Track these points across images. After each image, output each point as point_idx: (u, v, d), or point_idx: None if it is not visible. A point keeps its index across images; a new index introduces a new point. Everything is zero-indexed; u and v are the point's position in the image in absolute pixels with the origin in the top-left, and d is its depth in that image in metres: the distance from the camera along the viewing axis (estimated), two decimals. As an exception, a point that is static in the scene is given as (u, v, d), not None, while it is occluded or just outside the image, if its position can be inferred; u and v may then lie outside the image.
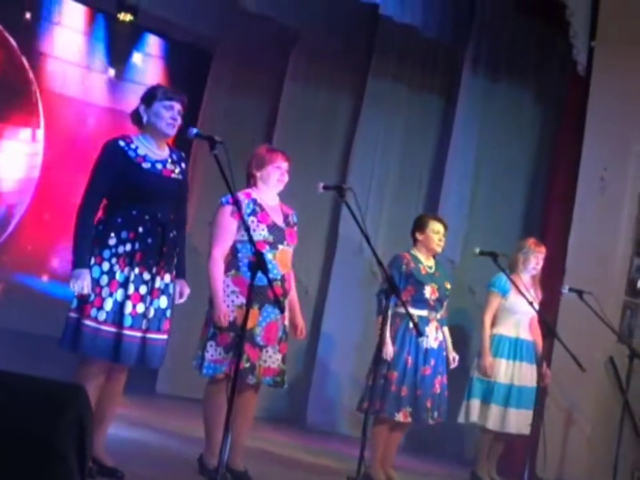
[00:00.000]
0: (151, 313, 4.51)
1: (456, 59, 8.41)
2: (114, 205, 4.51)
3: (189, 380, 6.14)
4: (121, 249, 4.46)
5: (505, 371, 6.51)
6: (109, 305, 4.43)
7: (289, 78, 8.64)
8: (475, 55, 8.14)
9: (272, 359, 5.07)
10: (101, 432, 4.55)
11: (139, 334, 4.48)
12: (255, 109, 8.86)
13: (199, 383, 5.31)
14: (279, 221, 5.15)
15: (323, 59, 8.65)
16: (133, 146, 4.54)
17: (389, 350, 5.72)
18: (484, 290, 6.81)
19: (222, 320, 4.95)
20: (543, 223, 7.95)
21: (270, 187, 5.19)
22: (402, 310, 5.59)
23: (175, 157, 4.68)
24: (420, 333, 5.51)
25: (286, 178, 5.21)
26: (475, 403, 6.52)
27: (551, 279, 6.93)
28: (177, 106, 4.58)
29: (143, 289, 4.49)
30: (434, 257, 6.02)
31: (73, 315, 4.46)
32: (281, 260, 5.08)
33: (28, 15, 8.01)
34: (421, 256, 5.96)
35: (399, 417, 5.77)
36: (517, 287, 6.18)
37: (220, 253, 5.06)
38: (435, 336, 5.90)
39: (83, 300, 4.43)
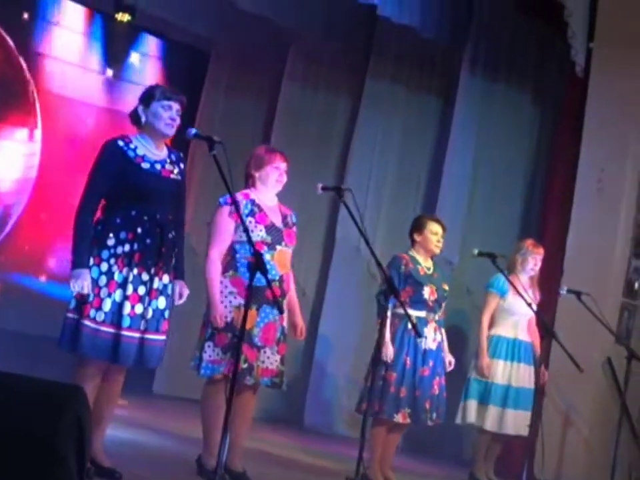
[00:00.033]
0: (149, 314, 4.51)
1: (454, 60, 8.41)
2: (113, 205, 4.50)
3: (186, 380, 6.14)
4: (119, 250, 4.45)
5: (502, 371, 6.50)
6: (107, 305, 4.42)
7: (286, 79, 8.64)
8: (472, 55, 8.14)
9: (270, 359, 5.06)
10: (99, 433, 4.54)
11: (137, 335, 4.47)
12: (252, 110, 8.86)
13: (196, 384, 5.30)
14: (277, 222, 5.14)
15: (321, 59, 8.65)
16: (132, 146, 4.53)
17: (389, 351, 5.71)
18: (482, 291, 6.81)
19: (218, 320, 4.94)
20: (541, 224, 7.96)
21: (268, 188, 5.18)
22: (401, 311, 5.58)
23: (173, 157, 4.67)
24: (419, 334, 5.51)
25: (284, 178, 5.21)
26: (472, 404, 6.52)
27: (548, 280, 6.93)
28: (176, 106, 4.56)
29: (142, 290, 4.48)
30: (432, 258, 6.02)
31: (71, 315, 4.45)
32: (279, 261, 5.07)
33: (26, 15, 8.01)
34: (419, 257, 5.95)
35: (398, 418, 5.77)
36: (515, 287, 6.18)
37: (217, 254, 5.05)
38: (434, 337, 5.89)
39: (81, 300, 4.42)
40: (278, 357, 5.09)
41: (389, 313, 5.50)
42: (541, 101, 8.32)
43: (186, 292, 4.68)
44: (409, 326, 5.55)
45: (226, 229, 5.06)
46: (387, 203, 8.47)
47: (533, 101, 8.33)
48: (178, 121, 4.57)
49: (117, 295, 4.44)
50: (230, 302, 5.01)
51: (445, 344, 6.02)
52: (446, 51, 8.48)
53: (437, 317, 5.92)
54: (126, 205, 4.47)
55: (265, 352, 5.04)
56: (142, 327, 4.48)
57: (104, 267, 4.44)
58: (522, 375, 6.52)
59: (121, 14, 8.05)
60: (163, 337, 4.60)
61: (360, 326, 7.97)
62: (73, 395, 3.17)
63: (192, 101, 7.67)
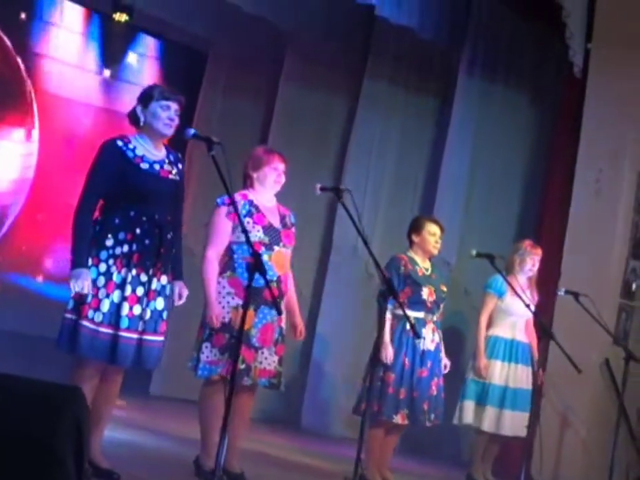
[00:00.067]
0: (148, 315, 4.50)
1: (452, 61, 8.40)
2: (111, 206, 4.49)
3: (183, 381, 6.13)
4: (118, 250, 4.44)
5: (500, 372, 6.51)
6: (105, 306, 4.41)
7: (284, 79, 8.63)
8: (470, 57, 8.14)
9: (267, 360, 5.05)
10: (97, 433, 4.53)
11: (135, 335, 4.46)
12: (250, 110, 8.85)
13: (194, 385, 5.29)
14: (275, 223, 5.13)
15: (319, 60, 8.64)
16: (130, 146, 4.52)
17: (389, 353, 5.71)
18: (479, 291, 6.81)
19: (214, 321, 4.93)
20: (539, 225, 7.96)
21: (267, 188, 5.18)
22: (399, 312, 5.58)
23: (172, 157, 4.66)
24: (417, 335, 5.51)
25: (283, 179, 5.20)
26: (469, 405, 6.52)
27: (546, 281, 6.94)
28: (174, 106, 4.56)
29: (140, 291, 4.47)
30: (430, 259, 6.01)
31: (69, 316, 4.44)
32: (276, 261, 5.07)
33: (23, 15, 7.99)
34: (417, 258, 5.95)
35: (397, 419, 5.76)
36: (513, 288, 6.17)
37: (214, 254, 5.05)
38: (432, 338, 5.89)
39: (79, 301, 4.41)
40: (276, 358, 5.08)
41: (388, 314, 5.49)
42: (539, 102, 8.32)
43: (185, 292, 4.67)
44: (408, 327, 5.55)
45: (223, 230, 5.05)
46: (385, 203, 8.47)
47: (531, 102, 8.34)
48: (176, 121, 4.57)
49: (115, 295, 4.43)
50: (228, 302, 5.01)
51: (442, 346, 6.01)
52: (444, 52, 8.47)
53: (435, 318, 5.91)
54: (125, 206, 4.46)
55: (262, 353, 5.03)
56: (140, 328, 4.47)
57: (102, 267, 4.43)
58: (519, 376, 6.52)
59: (118, 14, 8.04)
60: (161, 338, 4.59)
61: (357, 326, 7.96)
62: (71, 396, 3.16)
63: (189, 101, 7.64)
